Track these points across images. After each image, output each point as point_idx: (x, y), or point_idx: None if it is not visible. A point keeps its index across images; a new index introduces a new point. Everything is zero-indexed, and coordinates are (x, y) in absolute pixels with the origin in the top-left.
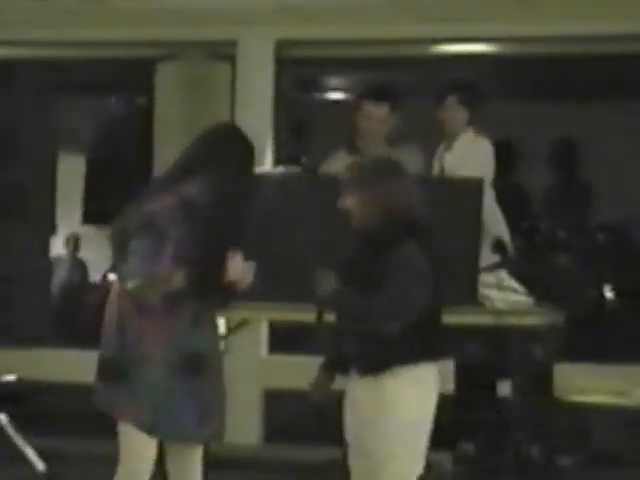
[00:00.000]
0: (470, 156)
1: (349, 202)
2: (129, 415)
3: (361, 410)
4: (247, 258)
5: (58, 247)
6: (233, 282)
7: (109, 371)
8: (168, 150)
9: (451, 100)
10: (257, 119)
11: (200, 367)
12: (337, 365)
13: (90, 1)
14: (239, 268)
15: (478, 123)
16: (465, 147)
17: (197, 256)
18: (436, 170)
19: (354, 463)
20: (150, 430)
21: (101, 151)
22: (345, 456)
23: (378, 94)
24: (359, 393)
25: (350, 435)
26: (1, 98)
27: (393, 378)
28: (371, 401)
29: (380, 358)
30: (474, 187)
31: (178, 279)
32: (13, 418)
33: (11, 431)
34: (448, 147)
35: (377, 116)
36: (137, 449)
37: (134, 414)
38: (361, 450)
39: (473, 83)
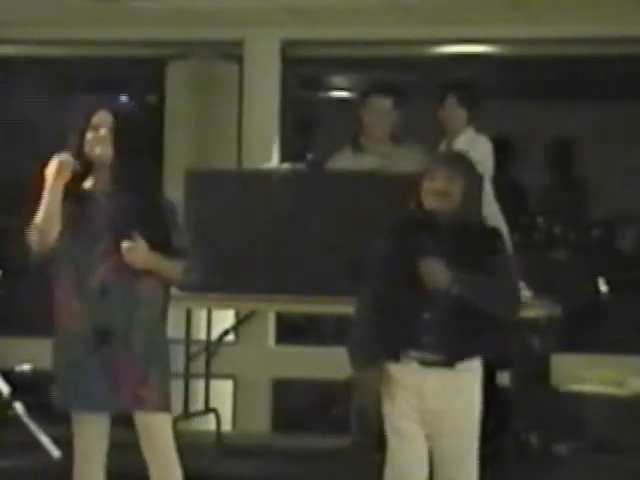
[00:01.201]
0: (470, 154)
1: (448, 186)
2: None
3: (433, 400)
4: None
5: None
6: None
7: None
8: (178, 146)
9: (450, 100)
10: (264, 117)
11: (108, 339)
12: (381, 355)
13: (103, 1)
14: (132, 251)
15: (478, 121)
16: (465, 145)
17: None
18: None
19: (412, 449)
20: (65, 405)
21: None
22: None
23: (382, 89)
24: (429, 381)
25: (408, 424)
26: (18, 95)
27: (470, 366)
28: (447, 390)
29: (466, 347)
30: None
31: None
32: (28, 407)
33: (26, 419)
34: (449, 146)
35: (381, 110)
36: (81, 430)
37: (55, 392)
38: (436, 438)
39: (471, 83)
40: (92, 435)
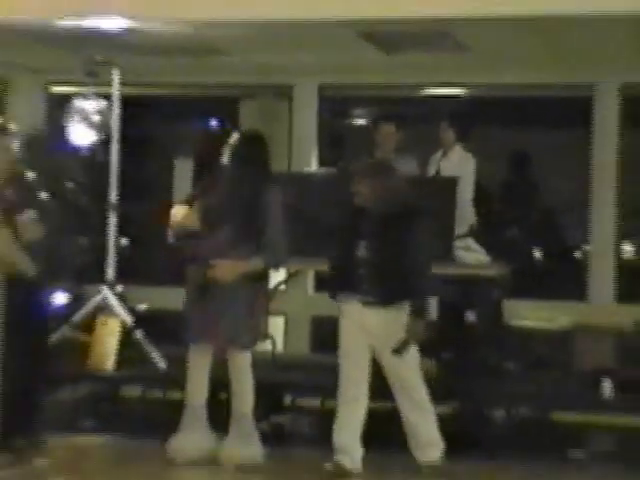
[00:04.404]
0: (459, 165)
1: (362, 187)
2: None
3: (374, 330)
4: None
5: None
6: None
7: None
8: None
9: (443, 124)
10: (307, 137)
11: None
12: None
13: (200, 57)
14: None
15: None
16: (454, 158)
17: None
18: (431, 172)
19: (356, 399)
20: (187, 338)
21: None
22: None
23: (387, 118)
24: (368, 317)
25: (355, 348)
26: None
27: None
28: (391, 326)
29: (393, 294)
30: (451, 184)
31: None
32: (145, 333)
33: (144, 342)
34: (443, 157)
35: (387, 132)
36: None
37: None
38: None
39: (461, 113)
40: (201, 357)
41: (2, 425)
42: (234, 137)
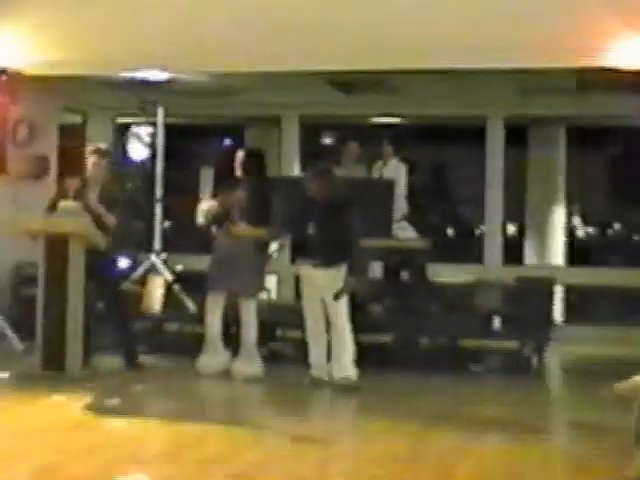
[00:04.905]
0: (395, 171)
1: (314, 187)
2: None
3: (321, 285)
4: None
5: None
6: None
7: None
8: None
9: (385, 143)
10: (291, 152)
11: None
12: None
13: (211, 97)
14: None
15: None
16: (392, 166)
17: None
18: (376, 175)
19: (317, 332)
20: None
21: None
22: None
23: (352, 138)
24: (318, 275)
25: (312, 301)
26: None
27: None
28: (334, 283)
29: (333, 258)
30: (390, 184)
31: None
32: (181, 287)
33: (180, 292)
34: (384, 166)
35: (352, 148)
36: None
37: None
38: (330, 321)
39: (397, 135)
40: (216, 302)
41: (87, 348)
42: (240, 153)
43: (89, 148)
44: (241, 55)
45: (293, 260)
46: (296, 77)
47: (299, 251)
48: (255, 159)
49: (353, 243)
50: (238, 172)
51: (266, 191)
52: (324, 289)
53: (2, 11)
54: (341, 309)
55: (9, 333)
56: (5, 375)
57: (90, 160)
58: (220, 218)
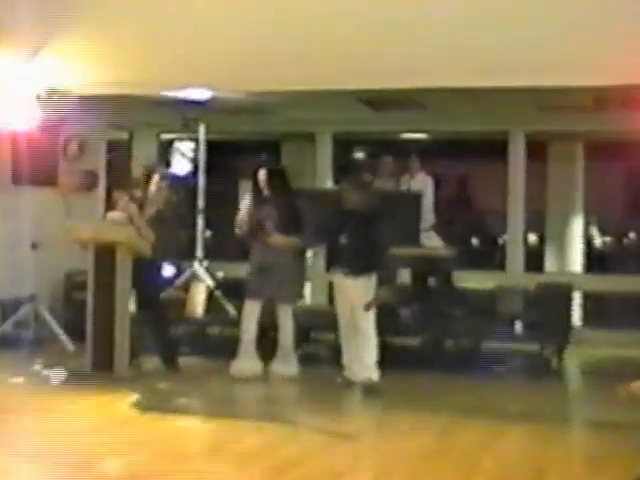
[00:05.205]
0: (422, 184)
1: (353, 198)
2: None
3: (356, 299)
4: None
5: None
6: None
7: None
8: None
9: (413, 157)
10: (325, 166)
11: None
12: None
13: (249, 115)
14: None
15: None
16: (419, 180)
17: None
18: (404, 188)
19: (349, 336)
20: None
21: None
22: None
23: (387, 152)
24: (349, 283)
25: (342, 305)
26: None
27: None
28: (363, 292)
29: (363, 268)
30: (418, 196)
31: None
32: (222, 293)
33: (220, 297)
34: (412, 179)
35: (386, 162)
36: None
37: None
38: (356, 326)
39: (423, 150)
40: (252, 308)
41: (133, 350)
42: (262, 172)
43: (150, 169)
44: (277, 75)
45: (327, 268)
46: (329, 95)
47: (332, 260)
48: (277, 176)
49: (385, 254)
50: (264, 189)
51: (293, 203)
52: (354, 297)
53: (53, 33)
54: (368, 315)
55: (61, 335)
56: (56, 374)
57: (153, 182)
58: (254, 229)
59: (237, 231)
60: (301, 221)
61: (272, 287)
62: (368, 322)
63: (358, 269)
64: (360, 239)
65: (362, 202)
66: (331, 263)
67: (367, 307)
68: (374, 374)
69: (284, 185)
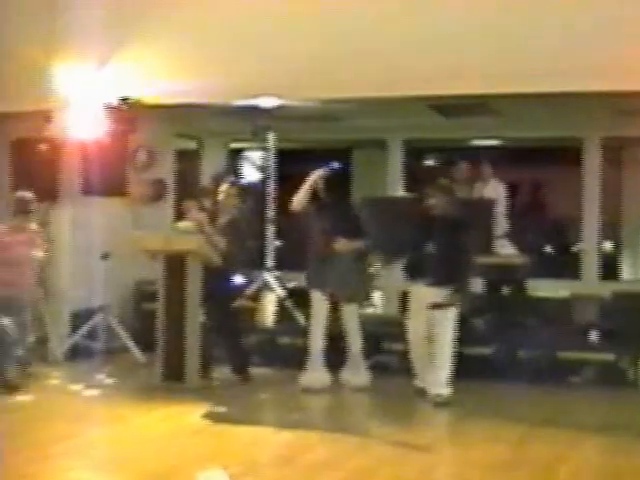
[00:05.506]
0: (495, 191)
1: (436, 205)
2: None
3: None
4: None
5: None
6: None
7: None
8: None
9: (485, 164)
10: (395, 173)
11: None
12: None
13: (319, 122)
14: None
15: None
16: (492, 186)
17: None
18: (477, 195)
19: (423, 347)
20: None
21: None
22: None
23: (463, 159)
24: (430, 294)
25: (421, 323)
26: None
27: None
28: (437, 298)
29: (446, 279)
30: (491, 203)
31: None
32: (295, 303)
33: (291, 307)
34: (485, 186)
35: (463, 168)
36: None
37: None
38: (433, 338)
39: (496, 156)
40: (320, 309)
41: (204, 360)
42: (319, 173)
43: (218, 178)
44: (348, 83)
45: (407, 277)
46: (399, 102)
47: (412, 269)
48: (335, 180)
49: (470, 263)
50: (322, 195)
51: (352, 207)
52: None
53: (122, 42)
54: (447, 327)
55: (131, 346)
56: (127, 385)
57: (222, 190)
58: (317, 238)
59: (294, 207)
60: (361, 225)
61: (334, 280)
62: (446, 334)
63: (444, 279)
64: (446, 248)
65: (448, 208)
66: (411, 273)
67: (437, 306)
68: (445, 389)
69: (341, 191)
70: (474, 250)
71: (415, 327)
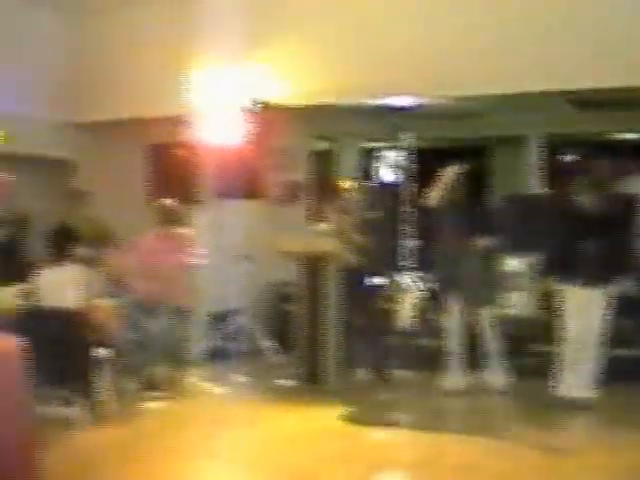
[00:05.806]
0: (638, 186)
1: (589, 202)
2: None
3: (592, 310)
4: None
5: None
6: None
7: None
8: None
9: (628, 158)
10: (536, 169)
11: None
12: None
13: (454, 120)
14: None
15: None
16: (635, 182)
17: None
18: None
19: (572, 350)
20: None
21: None
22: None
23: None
24: (585, 296)
25: (578, 326)
26: None
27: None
28: (595, 304)
29: (599, 280)
30: (633, 199)
31: None
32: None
33: (430, 308)
34: (628, 181)
35: (602, 164)
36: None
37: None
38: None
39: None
40: (455, 304)
41: (342, 361)
42: (452, 169)
43: (352, 178)
44: (484, 79)
45: (556, 276)
46: (537, 96)
47: (562, 268)
48: (466, 180)
49: (629, 260)
50: (457, 191)
51: (485, 205)
52: (589, 308)
53: (258, 44)
54: (597, 327)
55: (268, 347)
56: (264, 386)
57: (355, 190)
58: (449, 236)
59: (430, 202)
60: (494, 223)
61: (464, 284)
62: (596, 335)
63: (598, 278)
64: (604, 246)
65: (602, 205)
66: (561, 272)
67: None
68: (590, 393)
69: (477, 186)
70: (632, 247)
71: (569, 330)
